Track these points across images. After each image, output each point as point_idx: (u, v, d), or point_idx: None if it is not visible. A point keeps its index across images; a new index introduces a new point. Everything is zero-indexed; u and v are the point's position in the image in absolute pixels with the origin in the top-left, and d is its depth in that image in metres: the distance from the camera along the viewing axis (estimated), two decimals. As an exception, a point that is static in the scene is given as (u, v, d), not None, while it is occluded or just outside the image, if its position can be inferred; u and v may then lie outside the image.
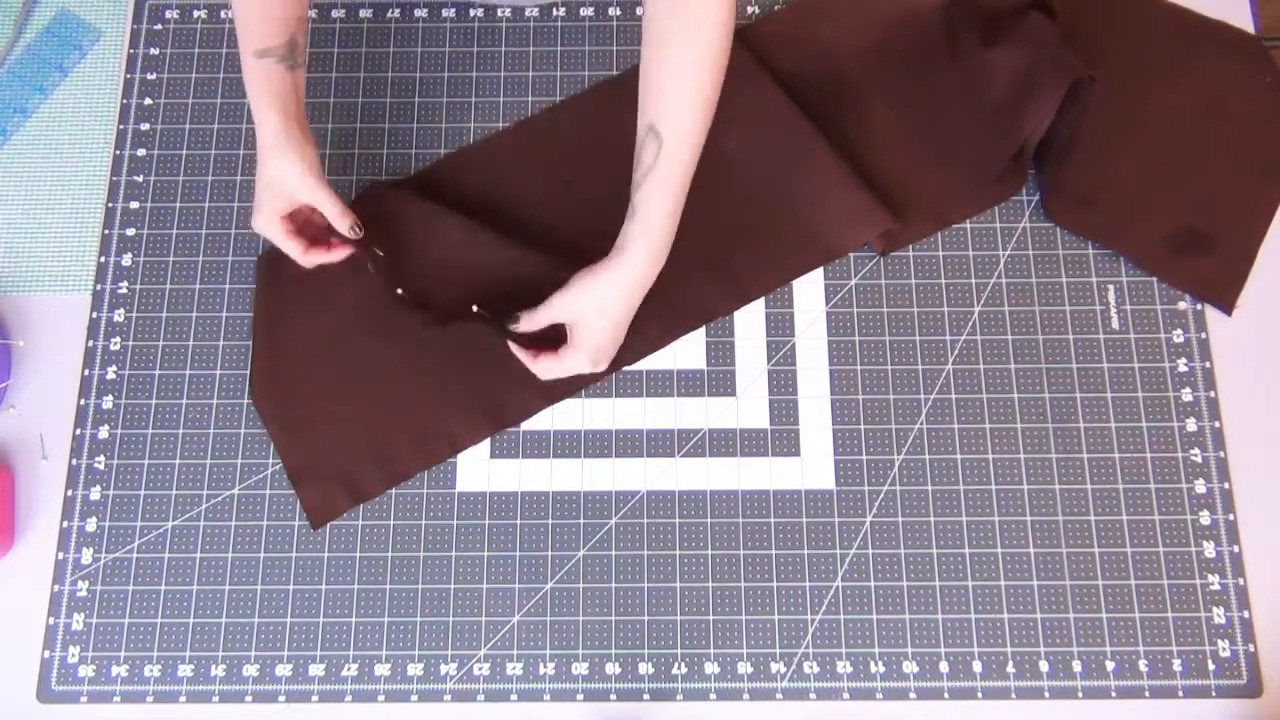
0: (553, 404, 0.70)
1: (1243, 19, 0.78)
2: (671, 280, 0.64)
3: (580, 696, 0.65)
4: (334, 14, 0.79)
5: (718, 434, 0.70)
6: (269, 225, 0.64)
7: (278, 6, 0.62)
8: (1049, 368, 0.71)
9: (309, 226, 0.67)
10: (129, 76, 0.78)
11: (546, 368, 0.65)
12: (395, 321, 0.70)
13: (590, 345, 0.63)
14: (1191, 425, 0.69)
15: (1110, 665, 0.65)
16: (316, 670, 0.66)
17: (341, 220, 0.64)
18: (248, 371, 0.71)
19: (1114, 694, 0.65)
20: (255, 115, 0.62)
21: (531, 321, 0.65)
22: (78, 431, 0.70)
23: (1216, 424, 0.69)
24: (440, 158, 0.76)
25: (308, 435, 0.69)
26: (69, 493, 0.69)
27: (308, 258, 0.65)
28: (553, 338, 0.65)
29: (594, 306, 0.62)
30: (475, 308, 0.67)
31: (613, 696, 0.66)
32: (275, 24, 0.61)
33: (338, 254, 0.66)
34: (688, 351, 0.72)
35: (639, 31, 0.78)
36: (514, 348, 0.66)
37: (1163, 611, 0.66)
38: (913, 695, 0.65)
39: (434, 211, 0.72)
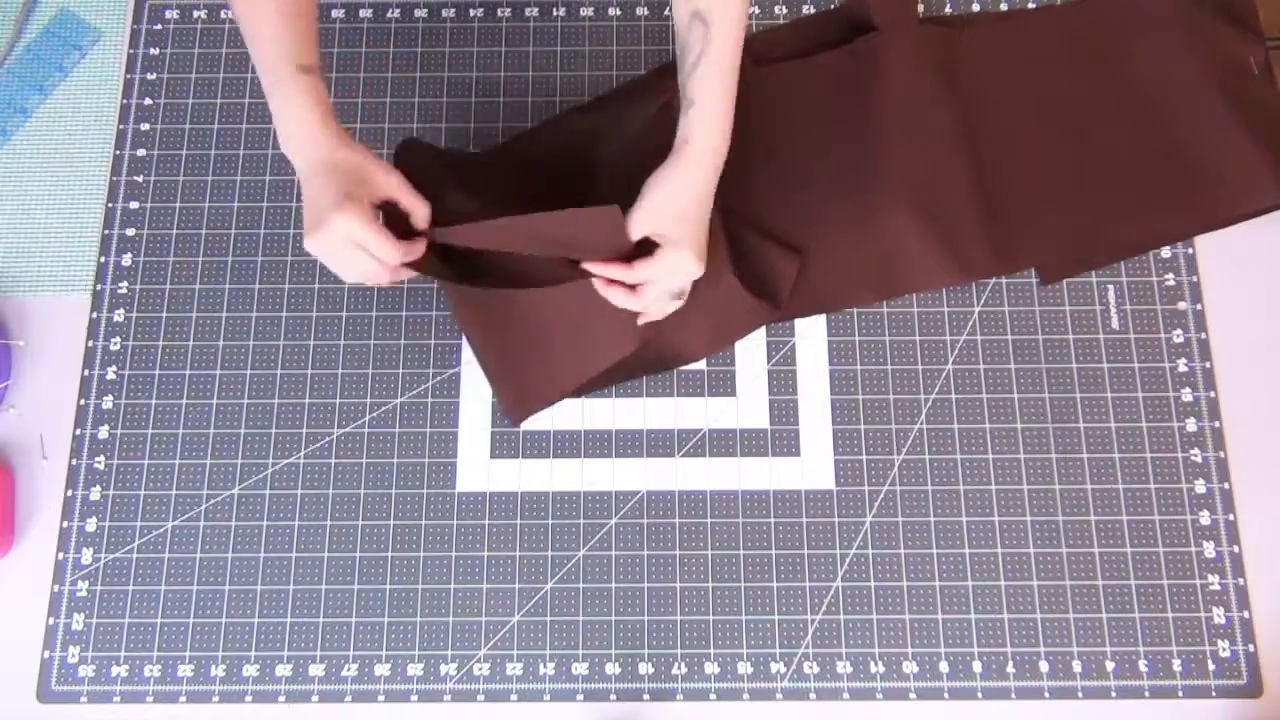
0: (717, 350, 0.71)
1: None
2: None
3: (580, 696, 0.66)
4: (334, 14, 0.79)
5: (718, 434, 0.70)
6: (360, 219, 0.56)
7: (312, 27, 0.60)
8: (1049, 368, 0.71)
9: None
10: (129, 76, 0.78)
11: (641, 274, 0.61)
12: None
13: (689, 244, 0.61)
14: (1191, 425, 0.69)
15: (1110, 665, 0.65)
16: (316, 670, 0.66)
17: (419, 209, 0.60)
18: (247, 371, 0.71)
19: (1114, 694, 0.65)
20: (305, 127, 0.57)
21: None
22: (78, 431, 0.70)
23: (1216, 424, 0.69)
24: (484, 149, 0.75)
25: (504, 338, 0.67)
26: (69, 493, 0.69)
27: (403, 251, 0.59)
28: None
29: (674, 210, 0.60)
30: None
31: (613, 696, 0.66)
32: (310, 42, 0.60)
33: (419, 246, 0.61)
34: (688, 351, 0.72)
35: (639, 31, 0.78)
36: (596, 269, 0.62)
37: (1163, 611, 0.66)
38: (913, 695, 0.65)
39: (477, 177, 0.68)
